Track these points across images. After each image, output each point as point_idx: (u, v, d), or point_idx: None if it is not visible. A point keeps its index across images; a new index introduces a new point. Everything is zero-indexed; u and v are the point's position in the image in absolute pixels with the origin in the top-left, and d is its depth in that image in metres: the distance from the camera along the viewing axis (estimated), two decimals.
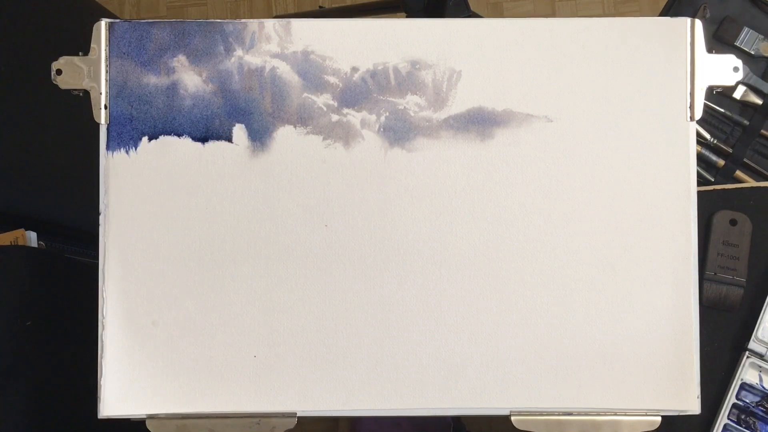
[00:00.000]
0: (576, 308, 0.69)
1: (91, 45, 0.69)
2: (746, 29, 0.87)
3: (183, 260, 0.69)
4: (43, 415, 0.82)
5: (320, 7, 1.58)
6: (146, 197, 0.69)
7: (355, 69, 0.70)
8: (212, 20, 0.69)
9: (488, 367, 0.69)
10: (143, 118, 0.69)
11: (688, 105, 0.70)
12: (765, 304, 0.80)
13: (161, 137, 0.69)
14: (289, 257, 0.69)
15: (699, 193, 0.70)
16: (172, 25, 0.69)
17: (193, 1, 1.67)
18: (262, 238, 0.69)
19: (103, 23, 0.69)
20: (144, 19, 0.73)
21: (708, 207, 0.82)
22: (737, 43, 0.87)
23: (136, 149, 0.69)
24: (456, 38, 0.70)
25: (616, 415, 0.69)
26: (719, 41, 0.88)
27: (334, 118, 0.70)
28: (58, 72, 0.68)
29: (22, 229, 0.85)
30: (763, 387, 0.79)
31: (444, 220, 0.70)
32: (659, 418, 0.69)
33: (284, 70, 0.69)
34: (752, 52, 0.87)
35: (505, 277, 0.69)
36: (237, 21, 0.69)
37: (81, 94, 0.69)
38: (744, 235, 0.81)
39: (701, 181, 0.87)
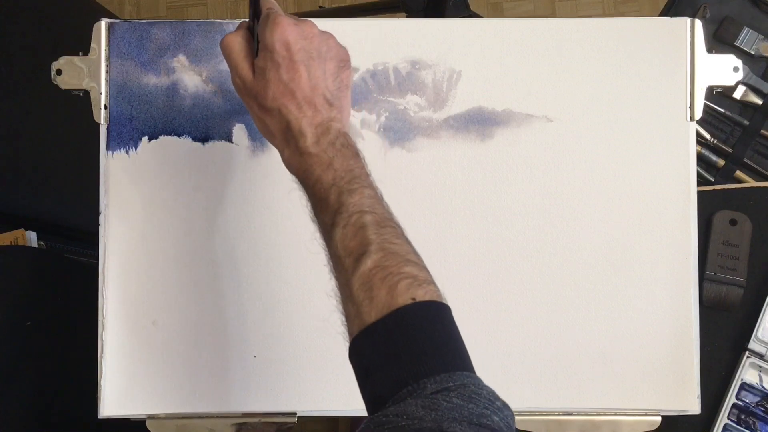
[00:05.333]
0: (576, 308, 0.69)
1: (91, 45, 0.69)
2: (746, 29, 0.87)
3: (183, 260, 0.69)
4: (44, 415, 0.82)
5: (320, 7, 1.58)
6: (146, 197, 0.69)
7: (355, 69, 0.69)
8: (212, 20, 0.69)
9: (488, 367, 0.69)
10: (143, 118, 0.69)
11: (688, 105, 0.70)
12: (765, 304, 0.80)
13: (161, 137, 0.69)
14: (289, 258, 0.69)
15: (699, 193, 0.70)
16: (172, 25, 0.69)
17: (193, 1, 1.67)
18: (262, 239, 0.69)
19: (103, 23, 0.69)
20: (144, 19, 0.73)
21: (708, 207, 0.82)
22: (737, 43, 0.87)
23: (136, 149, 0.69)
24: (456, 38, 0.70)
25: (616, 415, 0.69)
26: (719, 41, 0.88)
27: None
28: (58, 72, 0.68)
29: (22, 229, 0.85)
30: (763, 387, 0.79)
31: (444, 220, 0.69)
32: (659, 418, 0.69)
33: None
34: (752, 52, 0.87)
35: (505, 277, 0.69)
36: (237, 21, 0.69)
37: (81, 94, 0.69)
38: (744, 235, 0.81)
39: (701, 181, 0.86)
